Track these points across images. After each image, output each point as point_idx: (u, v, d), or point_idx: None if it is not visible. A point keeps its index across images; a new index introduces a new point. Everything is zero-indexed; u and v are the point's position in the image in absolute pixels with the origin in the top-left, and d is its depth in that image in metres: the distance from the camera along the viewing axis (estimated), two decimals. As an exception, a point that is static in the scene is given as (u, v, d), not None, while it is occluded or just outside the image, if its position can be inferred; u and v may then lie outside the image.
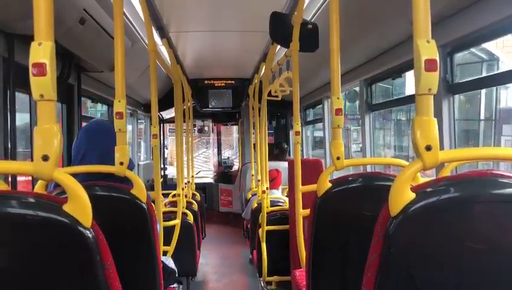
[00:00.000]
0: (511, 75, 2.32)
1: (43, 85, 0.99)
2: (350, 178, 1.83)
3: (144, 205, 1.72)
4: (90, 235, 1.01)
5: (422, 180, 1.55)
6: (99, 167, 1.80)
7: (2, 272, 0.98)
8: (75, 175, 1.87)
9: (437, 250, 1.02)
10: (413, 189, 1.01)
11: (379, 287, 1.03)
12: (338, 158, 1.79)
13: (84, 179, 1.86)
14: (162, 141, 9.04)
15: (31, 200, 1.00)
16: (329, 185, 1.76)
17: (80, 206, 1.00)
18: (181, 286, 2.44)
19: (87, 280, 1.03)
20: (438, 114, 2.53)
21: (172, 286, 2.25)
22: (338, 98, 1.78)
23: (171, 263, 2.34)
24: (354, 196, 1.79)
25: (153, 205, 1.93)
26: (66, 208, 1.00)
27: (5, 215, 0.97)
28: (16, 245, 0.99)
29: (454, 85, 2.52)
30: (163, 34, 3.84)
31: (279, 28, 2.76)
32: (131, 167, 1.90)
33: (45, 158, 0.99)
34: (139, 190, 1.72)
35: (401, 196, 1.00)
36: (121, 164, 1.73)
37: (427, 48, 1.00)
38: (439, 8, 2.32)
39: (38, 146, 0.99)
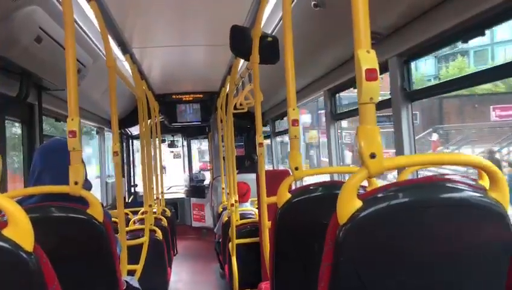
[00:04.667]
0: (467, 81, 2.40)
1: None
2: (311, 187, 1.84)
3: (100, 224, 1.68)
4: (32, 260, 0.97)
5: (379, 184, 1.57)
6: (53, 187, 1.75)
7: None
8: (31, 196, 1.82)
9: (387, 256, 1.03)
10: (360, 197, 1.02)
11: None
12: (296, 168, 1.79)
13: (40, 200, 1.81)
14: (132, 158, 8.93)
15: None
16: (289, 195, 1.76)
17: (20, 230, 0.97)
18: None
19: None
20: (397, 121, 2.58)
21: (137, 306, 2.20)
22: (294, 109, 1.80)
23: (135, 283, 2.30)
24: (314, 205, 1.79)
25: (112, 224, 1.88)
26: (6, 232, 0.96)
27: None
28: None
29: (412, 92, 2.58)
30: (125, 49, 3.81)
31: (240, 41, 2.77)
32: (87, 186, 1.86)
33: None
34: (95, 209, 1.68)
35: (348, 204, 1.00)
36: (76, 183, 1.68)
37: (367, 58, 1.01)
38: (394, 18, 2.38)
39: None
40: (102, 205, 1.74)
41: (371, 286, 1.03)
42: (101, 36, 2.59)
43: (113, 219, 3.02)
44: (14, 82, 2.99)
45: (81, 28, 3.22)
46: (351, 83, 3.39)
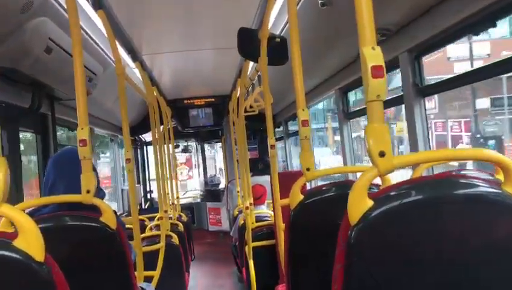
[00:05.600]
0: (480, 74, 2.35)
1: None
2: (323, 188, 1.81)
3: (113, 232, 1.68)
4: (43, 270, 0.97)
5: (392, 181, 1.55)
6: (65, 196, 1.76)
7: None
8: (45, 206, 1.83)
9: (400, 255, 1.01)
10: (371, 196, 1.00)
11: None
12: (308, 169, 1.77)
13: (54, 209, 1.82)
14: (147, 164, 8.98)
15: None
16: (302, 197, 1.74)
17: (31, 241, 0.97)
18: None
19: None
20: (410, 117, 2.55)
21: (153, 313, 2.20)
22: (303, 110, 1.78)
23: None
24: (327, 205, 1.77)
25: (126, 232, 1.89)
26: (17, 243, 0.96)
27: None
28: None
29: (424, 88, 2.54)
30: (135, 56, 3.82)
31: (248, 43, 2.76)
32: (101, 195, 1.87)
33: None
34: (108, 217, 1.68)
35: (359, 204, 0.99)
36: (88, 191, 1.69)
37: (372, 55, 0.99)
38: (403, 14, 2.35)
39: None
40: (115, 213, 1.74)
41: (385, 285, 1.00)
42: (110, 44, 2.60)
43: (128, 226, 3.03)
44: (26, 93, 3.02)
45: (90, 37, 3.24)
46: (362, 81, 3.35)
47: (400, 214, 0.98)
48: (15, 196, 2.89)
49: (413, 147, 2.53)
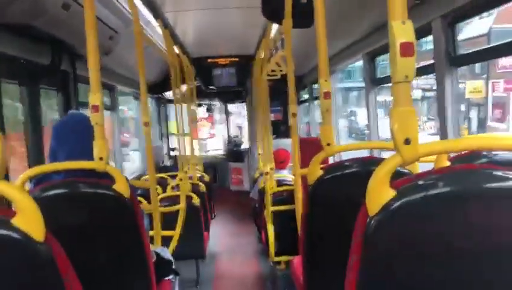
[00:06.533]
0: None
1: None
2: (345, 163, 1.74)
3: (126, 200, 1.65)
4: (43, 249, 0.94)
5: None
6: (78, 163, 1.73)
7: None
8: (56, 173, 1.80)
9: (421, 249, 0.94)
10: (393, 185, 0.92)
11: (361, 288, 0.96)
12: (328, 144, 1.69)
13: (65, 177, 1.79)
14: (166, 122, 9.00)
15: None
16: (321, 172, 1.67)
17: (30, 219, 0.93)
18: (178, 277, 2.39)
19: None
20: (441, 89, 2.41)
21: (168, 277, 2.21)
22: (326, 81, 1.68)
23: (166, 254, 2.29)
24: (347, 182, 1.70)
25: (138, 199, 1.86)
26: (15, 221, 0.93)
27: None
28: None
29: (457, 57, 2.38)
30: (157, 14, 3.73)
31: (271, 4, 2.63)
32: None
33: None
34: (121, 185, 1.65)
35: (380, 194, 0.92)
36: (101, 159, 1.65)
37: (402, 30, 0.89)
38: None
39: None
40: (127, 179, 1.71)
41: (402, 279, 0.95)
42: (128, 1, 2.51)
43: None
44: (46, 51, 2.98)
45: None
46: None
47: (423, 207, 0.91)
48: (36, 156, 2.90)
49: (443, 126, 2.39)
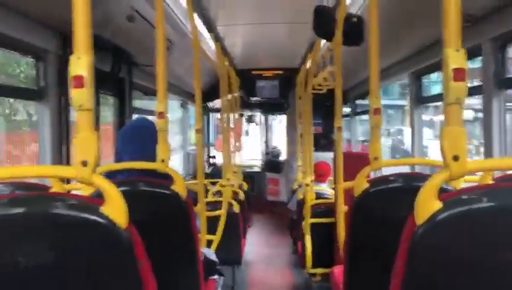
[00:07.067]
0: None
1: (82, 96, 1.05)
2: (390, 178, 1.81)
3: (183, 200, 1.78)
4: (126, 236, 1.06)
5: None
6: (141, 163, 1.87)
7: (43, 269, 1.06)
8: (120, 172, 1.96)
9: (465, 260, 1.01)
10: (441, 198, 1.00)
11: None
12: (376, 158, 1.77)
13: (127, 176, 1.95)
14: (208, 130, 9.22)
15: (72, 202, 1.07)
16: (367, 185, 1.75)
17: (115, 208, 1.06)
18: (222, 278, 2.50)
19: (122, 275, 1.10)
20: (488, 111, 2.44)
21: (213, 277, 2.32)
22: (376, 98, 1.76)
23: (212, 255, 2.41)
24: (392, 196, 1.76)
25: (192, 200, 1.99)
26: (103, 209, 1.06)
27: (49, 215, 1.05)
28: (58, 243, 1.07)
29: (505, 79, 2.41)
30: (210, 28, 3.90)
31: (323, 21, 2.73)
32: None
33: (84, 164, 1.06)
34: (179, 186, 1.78)
35: (428, 205, 0.99)
36: (162, 161, 1.80)
37: (455, 57, 0.98)
38: (487, 0, 2.23)
39: (79, 152, 1.06)
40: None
41: (444, 288, 1.01)
42: (188, 15, 2.67)
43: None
44: (107, 59, 3.19)
45: (169, 6, 3.34)
46: (438, 66, 3.23)
47: (469, 219, 0.98)
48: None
49: (488, 147, 2.42)
